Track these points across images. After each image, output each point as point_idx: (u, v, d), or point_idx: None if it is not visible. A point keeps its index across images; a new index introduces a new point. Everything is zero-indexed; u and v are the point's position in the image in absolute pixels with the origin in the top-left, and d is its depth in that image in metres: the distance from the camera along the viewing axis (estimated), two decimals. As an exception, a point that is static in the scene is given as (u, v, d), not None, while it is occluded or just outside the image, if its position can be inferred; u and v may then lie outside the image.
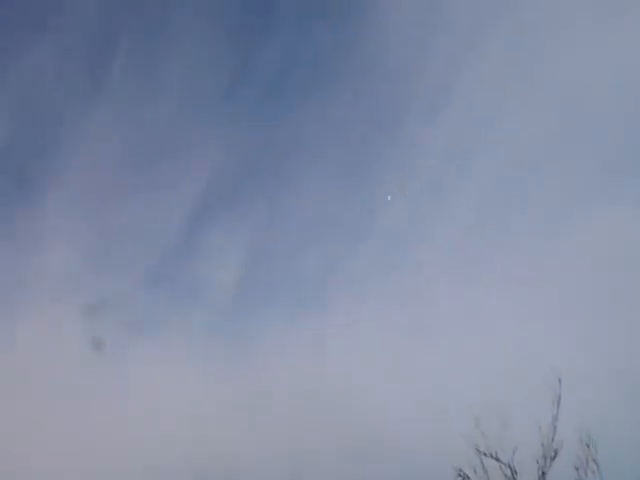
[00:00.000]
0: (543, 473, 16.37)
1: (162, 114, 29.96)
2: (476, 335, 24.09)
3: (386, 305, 28.30)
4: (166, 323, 30.79)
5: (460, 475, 17.06)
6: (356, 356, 25.31)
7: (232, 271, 31.70)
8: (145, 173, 30.23)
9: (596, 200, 27.31)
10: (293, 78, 30.99)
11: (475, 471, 16.79)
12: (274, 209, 32.19)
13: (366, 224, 32.77)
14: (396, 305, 28.90)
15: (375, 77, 31.15)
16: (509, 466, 16.39)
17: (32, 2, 26.68)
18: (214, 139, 30.96)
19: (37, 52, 27.61)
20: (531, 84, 29.79)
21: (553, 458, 16.29)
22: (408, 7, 30.29)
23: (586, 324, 21.68)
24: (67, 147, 29.01)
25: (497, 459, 16.45)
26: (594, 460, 15.88)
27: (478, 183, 31.60)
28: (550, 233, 28.90)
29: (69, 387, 24.74)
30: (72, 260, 29.65)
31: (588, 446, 15.93)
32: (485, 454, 16.56)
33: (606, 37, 27.40)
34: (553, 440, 16.31)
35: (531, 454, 16.37)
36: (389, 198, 29.70)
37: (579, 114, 28.32)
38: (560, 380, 16.59)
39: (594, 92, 28.02)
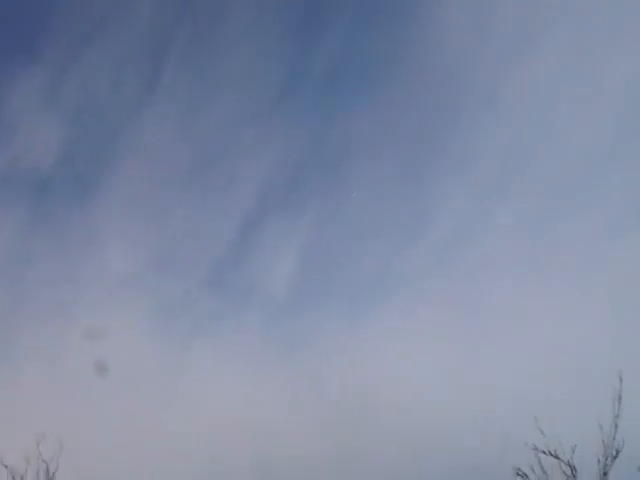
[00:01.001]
0: (605, 473, 15.99)
1: (216, 116, 30.51)
2: (536, 333, 23.69)
3: (442, 305, 28.07)
4: (224, 322, 31.31)
5: (518, 474, 16.84)
6: (412, 356, 25.19)
7: (287, 270, 31.96)
8: (201, 175, 30.84)
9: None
10: (346, 78, 31.07)
11: (533, 470, 16.54)
12: (329, 208, 32.34)
13: (422, 223, 32.55)
14: (453, 305, 28.64)
15: (430, 75, 30.97)
16: (569, 464, 16.07)
17: (85, 10, 27.42)
18: (268, 141, 31.35)
19: (91, 59, 28.52)
20: (587, 89, 29.18)
21: (615, 457, 15.90)
22: (462, 6, 30.00)
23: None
24: (123, 152, 29.91)
25: (556, 457, 16.15)
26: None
27: (539, 180, 31.04)
28: (614, 233, 28.21)
29: (136, 384, 25.46)
30: (132, 262, 30.52)
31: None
32: (544, 452, 16.29)
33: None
34: (614, 439, 15.92)
35: (592, 453, 16.03)
36: (353, 194, 29.76)
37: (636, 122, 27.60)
38: (621, 377, 16.20)
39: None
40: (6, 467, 19.44)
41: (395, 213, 32.64)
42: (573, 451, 16.06)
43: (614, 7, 27.63)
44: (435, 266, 31.80)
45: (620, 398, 16.05)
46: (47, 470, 19.43)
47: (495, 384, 22.50)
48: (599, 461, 15.95)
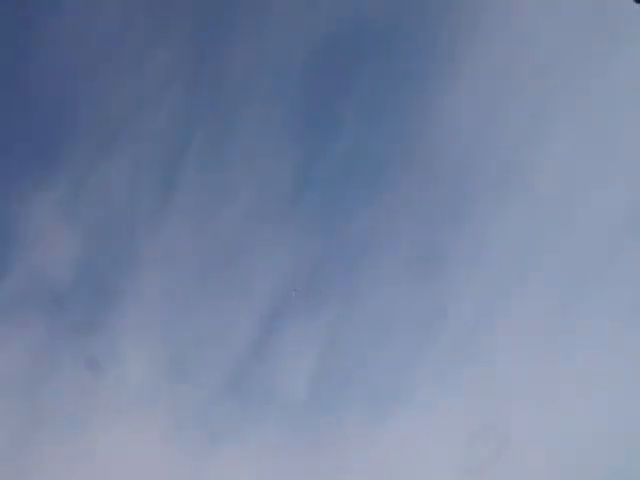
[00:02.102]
0: None
1: (232, 217, 31.14)
2: (558, 419, 22.93)
3: (463, 399, 27.44)
4: (244, 425, 30.71)
5: None
6: (432, 453, 24.37)
7: (307, 371, 31.59)
8: (217, 279, 31.16)
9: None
10: (360, 173, 31.75)
11: None
12: (346, 307, 32.26)
13: (439, 318, 32.34)
14: (472, 399, 28.00)
15: (441, 169, 31.58)
16: None
17: (101, 120, 28.67)
18: (284, 241, 31.78)
19: (108, 168, 29.57)
20: (603, 161, 29.56)
21: None
22: (473, 94, 30.88)
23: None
24: (140, 260, 30.42)
25: None
26: None
27: (550, 269, 30.96)
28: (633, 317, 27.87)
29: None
30: (151, 370, 30.39)
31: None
32: None
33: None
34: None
35: None
36: (294, 293, 29.80)
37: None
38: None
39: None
40: None
41: (412, 309, 32.52)
42: None
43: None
44: (454, 360, 31.40)
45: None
46: None
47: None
48: None
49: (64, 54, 27.40)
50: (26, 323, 28.82)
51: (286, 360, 31.86)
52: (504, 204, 31.50)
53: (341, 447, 28.25)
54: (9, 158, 27.78)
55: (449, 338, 31.82)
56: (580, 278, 30.12)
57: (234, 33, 29.26)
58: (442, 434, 26.55)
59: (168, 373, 30.85)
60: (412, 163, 31.97)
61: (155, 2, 28.16)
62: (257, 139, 30.59)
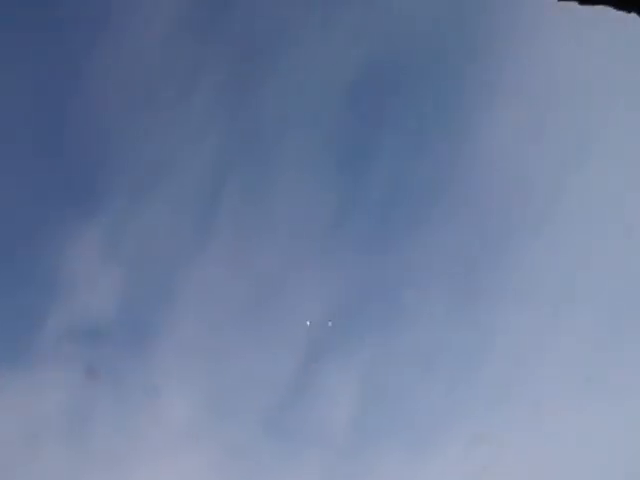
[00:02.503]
0: None
1: (270, 252, 31.01)
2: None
3: (502, 438, 26.99)
4: (284, 465, 30.61)
5: None
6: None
7: (346, 408, 31.31)
8: (256, 315, 31.03)
9: None
10: (399, 204, 31.32)
11: None
12: (387, 342, 31.87)
13: (479, 353, 31.78)
14: (514, 439, 27.47)
15: (482, 197, 30.99)
16: None
17: (140, 157, 28.79)
18: (323, 276, 31.52)
19: (148, 205, 29.66)
20: None
21: None
22: (514, 122, 30.24)
23: None
24: (180, 297, 30.50)
25: None
26: None
27: (600, 303, 30.18)
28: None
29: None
30: (191, 409, 30.45)
31: None
32: None
33: None
34: None
35: None
36: (308, 323, 29.28)
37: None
38: None
39: None
40: None
41: (452, 342, 32.03)
42: None
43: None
44: (495, 396, 30.85)
45: None
46: None
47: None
48: None
49: (102, 99, 27.59)
50: (70, 360, 29.14)
51: (326, 396, 31.64)
52: (550, 233, 30.77)
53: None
54: (50, 201, 28.11)
55: (491, 371, 31.28)
56: (633, 312, 29.30)
57: (271, 69, 29.14)
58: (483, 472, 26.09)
59: (208, 410, 30.88)
60: (452, 192, 31.48)
61: (192, 42, 28.09)
62: (296, 173, 30.42)
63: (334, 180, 30.64)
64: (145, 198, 29.06)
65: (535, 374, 30.90)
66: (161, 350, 30.18)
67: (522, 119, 29.87)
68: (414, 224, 31.49)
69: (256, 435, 30.76)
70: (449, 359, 31.85)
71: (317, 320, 31.06)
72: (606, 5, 7.09)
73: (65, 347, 29.04)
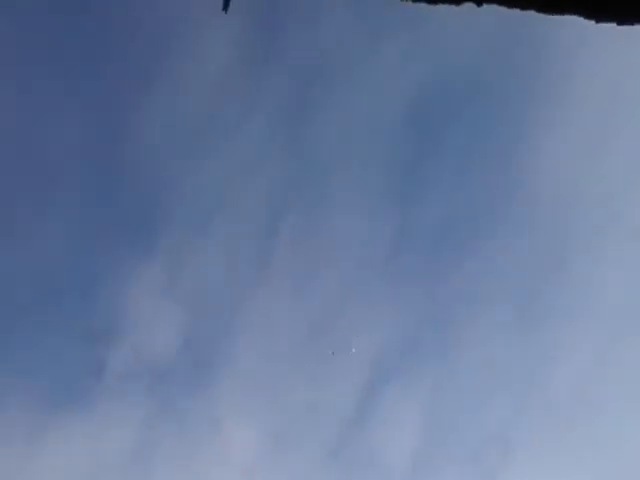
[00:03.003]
0: None
1: (327, 284, 30.88)
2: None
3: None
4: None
5: None
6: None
7: (407, 438, 30.99)
8: (315, 345, 30.89)
9: None
10: (459, 227, 30.87)
11: None
12: (449, 366, 31.46)
13: (541, 377, 31.23)
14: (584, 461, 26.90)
15: (541, 215, 30.43)
16: None
17: (195, 198, 28.92)
18: (381, 304, 31.26)
19: (205, 244, 29.77)
20: None
21: None
22: (571, 140, 29.65)
23: None
24: (239, 331, 30.55)
25: None
26: None
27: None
28: None
29: None
30: (253, 441, 30.44)
31: None
32: None
33: None
34: None
35: None
36: (353, 350, 28.72)
37: None
38: None
39: None
40: None
41: (512, 367, 31.53)
42: None
43: None
44: (557, 424, 30.33)
45: None
46: None
47: None
48: None
49: (157, 135, 27.75)
50: (133, 397, 29.39)
51: (388, 425, 31.37)
52: (612, 249, 30.07)
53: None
54: (109, 242, 28.36)
55: (552, 400, 30.74)
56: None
57: (325, 99, 29.04)
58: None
59: (270, 442, 30.85)
60: (512, 212, 30.98)
61: (247, 72, 28.08)
62: (351, 204, 30.23)
63: (391, 208, 30.43)
64: (202, 234, 29.22)
65: (601, 390, 30.27)
66: (222, 384, 30.31)
67: (582, 138, 29.35)
68: (475, 242, 31.11)
69: (317, 466, 30.64)
70: (512, 382, 31.42)
71: (377, 345, 30.86)
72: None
73: (128, 385, 29.32)
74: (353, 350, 29.13)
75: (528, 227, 30.64)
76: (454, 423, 30.95)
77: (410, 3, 7.05)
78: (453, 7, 7.00)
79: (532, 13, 6.97)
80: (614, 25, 6.90)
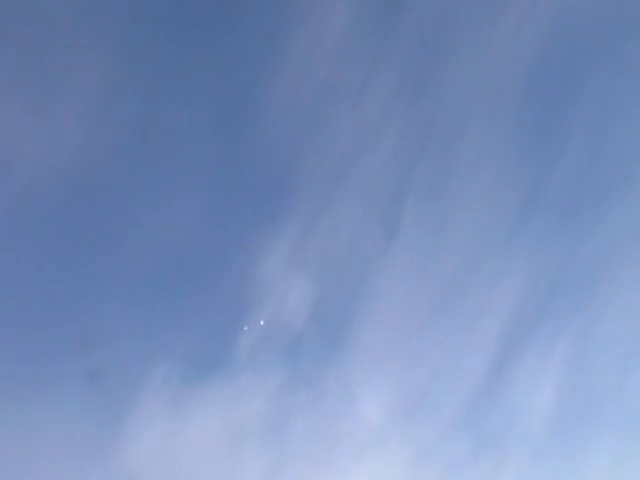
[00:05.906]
0: None
1: (455, 250, 30.20)
2: None
3: None
4: (480, 462, 30.03)
5: None
6: None
7: (544, 403, 30.13)
8: (446, 310, 30.37)
9: None
10: (590, 189, 29.61)
11: None
12: (584, 329, 30.22)
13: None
14: None
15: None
16: None
17: (327, 158, 28.75)
18: (511, 266, 30.26)
19: (336, 207, 29.56)
20: None
21: None
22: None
23: None
24: (365, 302, 30.28)
25: None
26: None
27: None
28: None
29: None
30: (385, 410, 30.33)
31: None
32: None
33: None
34: None
35: None
36: (245, 328, 27.43)
37: None
38: None
39: None
40: None
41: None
42: None
43: None
44: None
45: None
46: None
47: None
48: None
49: (286, 103, 27.57)
50: (266, 369, 29.67)
51: (522, 391, 30.61)
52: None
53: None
54: (241, 210, 28.53)
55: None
56: None
57: (450, 57, 28.17)
58: None
59: (402, 409, 30.67)
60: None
61: (368, 37, 27.53)
62: (477, 165, 29.34)
63: (519, 168, 29.36)
64: (329, 201, 29.08)
65: None
66: (353, 353, 30.19)
67: None
68: (607, 205, 29.74)
69: (450, 427, 30.30)
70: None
71: (510, 307, 30.06)
72: None
73: (261, 355, 29.60)
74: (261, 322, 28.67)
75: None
76: (594, 386, 29.85)
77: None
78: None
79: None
80: None
